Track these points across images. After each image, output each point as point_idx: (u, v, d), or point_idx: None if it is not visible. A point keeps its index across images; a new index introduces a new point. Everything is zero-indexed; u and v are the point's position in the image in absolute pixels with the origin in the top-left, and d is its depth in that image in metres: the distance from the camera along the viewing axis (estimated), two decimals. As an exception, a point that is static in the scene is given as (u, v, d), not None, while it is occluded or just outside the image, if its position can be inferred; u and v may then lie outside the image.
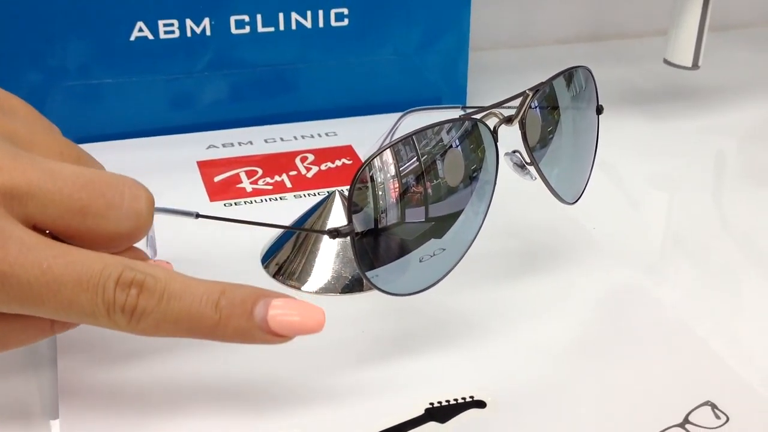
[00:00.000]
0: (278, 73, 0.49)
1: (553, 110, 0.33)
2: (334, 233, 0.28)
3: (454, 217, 0.31)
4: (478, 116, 0.30)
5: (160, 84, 0.47)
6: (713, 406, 0.30)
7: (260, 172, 0.44)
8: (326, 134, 0.48)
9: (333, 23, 0.49)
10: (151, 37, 0.46)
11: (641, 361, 0.32)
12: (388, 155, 0.28)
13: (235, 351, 0.32)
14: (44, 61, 0.45)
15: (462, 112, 0.32)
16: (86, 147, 0.45)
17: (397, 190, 0.29)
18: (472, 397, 0.31)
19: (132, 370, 0.31)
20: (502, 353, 0.33)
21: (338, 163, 0.45)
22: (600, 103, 0.36)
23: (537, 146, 0.33)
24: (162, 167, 0.44)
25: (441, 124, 0.29)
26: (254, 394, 0.30)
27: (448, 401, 0.30)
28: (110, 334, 0.32)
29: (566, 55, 0.63)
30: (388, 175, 0.29)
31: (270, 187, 0.43)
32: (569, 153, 0.35)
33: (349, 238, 0.28)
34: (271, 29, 0.48)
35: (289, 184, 0.43)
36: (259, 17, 0.48)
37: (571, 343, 0.33)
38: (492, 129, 0.31)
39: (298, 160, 0.45)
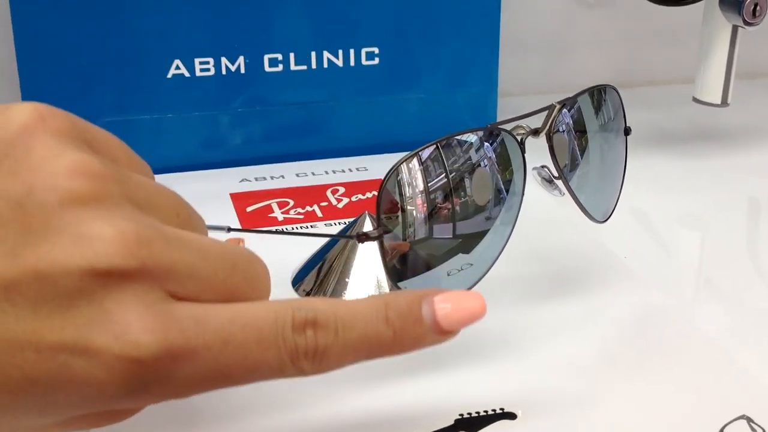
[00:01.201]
0: (310, 111, 0.50)
1: (581, 126, 0.33)
2: (363, 237, 0.28)
3: (482, 231, 0.31)
4: (505, 127, 0.31)
5: (195, 120, 0.48)
6: (749, 420, 0.30)
7: (292, 203, 0.45)
8: (357, 169, 0.49)
9: (364, 62, 0.50)
10: (187, 74, 0.48)
11: (674, 376, 0.32)
12: (414, 163, 0.29)
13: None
14: (82, 97, 0.47)
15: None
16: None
17: (425, 197, 0.29)
18: (502, 409, 0.30)
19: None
20: (535, 368, 0.32)
21: (369, 195, 0.46)
22: (628, 125, 0.36)
23: (565, 161, 0.33)
24: (195, 199, 0.44)
25: (467, 132, 0.30)
26: (284, 406, 0.30)
27: (477, 413, 0.30)
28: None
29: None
30: (416, 181, 0.29)
31: (301, 217, 0.43)
32: (598, 171, 0.35)
33: (377, 243, 0.29)
34: (304, 68, 0.49)
35: (320, 214, 0.44)
36: (292, 56, 0.49)
37: (603, 360, 0.33)
38: (519, 141, 0.31)
39: (329, 192, 0.46)
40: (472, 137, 0.30)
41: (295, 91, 0.49)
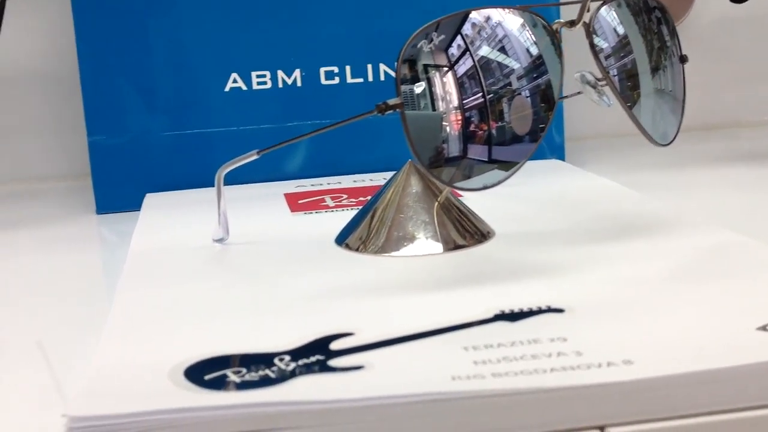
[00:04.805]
0: (368, 124, 0.49)
1: (626, 28, 0.31)
2: (383, 106, 0.27)
3: (512, 126, 0.29)
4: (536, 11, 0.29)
5: (252, 134, 0.48)
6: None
7: (345, 196, 0.43)
8: (415, 175, 0.47)
9: (422, 74, 0.49)
10: (244, 87, 0.48)
11: (742, 282, 0.29)
12: (438, 32, 0.27)
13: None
14: (143, 112, 0.47)
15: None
16: (178, 194, 0.46)
17: (450, 71, 0.27)
18: (548, 306, 0.27)
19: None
20: (590, 281, 0.29)
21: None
22: (684, 53, 0.34)
23: (611, 64, 0.31)
24: (248, 200, 0.44)
25: (498, 7, 0.28)
26: (317, 301, 0.28)
27: (521, 309, 0.27)
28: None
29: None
30: (439, 54, 0.27)
31: (353, 203, 0.42)
32: (652, 88, 0.32)
33: (399, 113, 0.27)
34: (360, 80, 0.49)
35: (372, 201, 0.42)
36: (348, 69, 0.49)
37: (664, 277, 0.30)
38: (554, 30, 0.29)
39: (384, 189, 0.44)
40: (503, 16, 0.28)
41: (352, 104, 0.49)
